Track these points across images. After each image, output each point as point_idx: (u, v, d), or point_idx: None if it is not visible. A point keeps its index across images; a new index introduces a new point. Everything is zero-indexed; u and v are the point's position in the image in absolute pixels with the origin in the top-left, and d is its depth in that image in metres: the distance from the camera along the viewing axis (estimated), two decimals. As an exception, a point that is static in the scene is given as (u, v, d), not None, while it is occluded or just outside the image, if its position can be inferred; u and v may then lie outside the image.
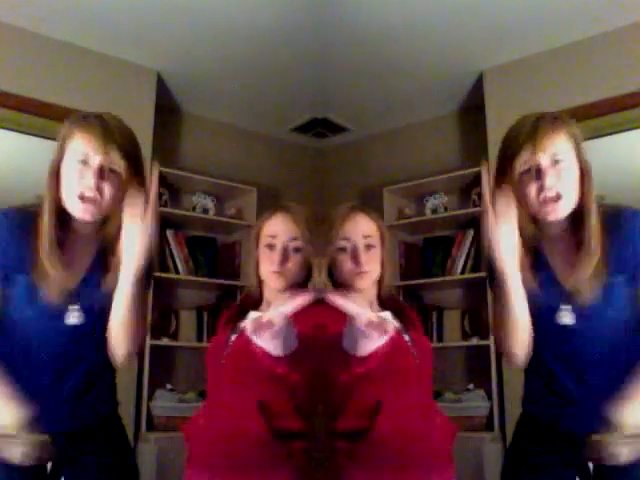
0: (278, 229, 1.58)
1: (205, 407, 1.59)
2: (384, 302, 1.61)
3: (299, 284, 1.58)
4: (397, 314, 1.54)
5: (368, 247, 1.56)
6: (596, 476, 1.48)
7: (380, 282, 1.61)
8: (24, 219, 1.44)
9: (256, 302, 1.65)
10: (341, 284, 1.58)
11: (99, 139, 1.45)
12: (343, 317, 1.46)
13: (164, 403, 3.32)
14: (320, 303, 1.49)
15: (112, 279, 1.40)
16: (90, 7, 2.91)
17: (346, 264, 1.55)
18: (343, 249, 1.55)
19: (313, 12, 2.96)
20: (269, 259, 1.56)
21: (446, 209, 3.81)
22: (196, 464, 1.50)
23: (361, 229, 1.57)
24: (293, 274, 1.56)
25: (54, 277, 1.40)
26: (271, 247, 1.57)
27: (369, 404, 1.43)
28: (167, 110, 3.84)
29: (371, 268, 1.55)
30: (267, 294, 1.62)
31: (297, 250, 1.57)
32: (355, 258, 1.53)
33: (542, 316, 1.44)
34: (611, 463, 1.41)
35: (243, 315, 1.53)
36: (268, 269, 1.57)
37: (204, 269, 3.80)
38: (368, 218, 1.60)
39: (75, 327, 1.44)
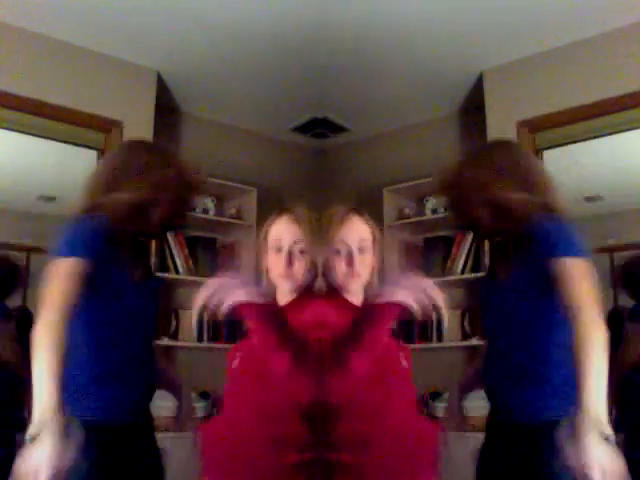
0: (283, 232, 1.61)
1: (220, 411, 1.60)
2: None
3: (307, 285, 1.60)
4: None
5: (361, 251, 1.59)
6: (514, 435, 1.64)
7: (367, 286, 1.63)
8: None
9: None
10: (333, 285, 1.60)
11: None
12: (341, 316, 1.47)
13: (164, 403, 3.32)
14: (320, 302, 1.51)
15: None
16: (90, 7, 2.91)
17: (340, 266, 1.57)
18: (338, 251, 1.58)
19: (313, 12, 2.96)
20: (276, 263, 1.59)
21: (446, 209, 3.80)
22: (205, 468, 1.51)
23: (357, 233, 1.60)
24: (300, 276, 1.58)
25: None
26: (278, 250, 1.59)
27: (368, 407, 1.44)
28: (167, 110, 3.84)
29: (363, 271, 1.59)
30: (279, 297, 1.63)
31: (302, 252, 1.59)
32: (349, 261, 1.56)
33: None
34: None
35: None
36: (276, 272, 1.59)
37: (204, 269, 3.79)
38: (364, 222, 1.63)
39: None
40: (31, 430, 1.37)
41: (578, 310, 1.50)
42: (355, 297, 1.60)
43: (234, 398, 1.53)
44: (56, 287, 1.53)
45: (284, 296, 1.61)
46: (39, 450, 1.34)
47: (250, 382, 1.50)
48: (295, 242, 1.59)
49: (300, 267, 1.58)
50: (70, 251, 1.57)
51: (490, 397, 1.77)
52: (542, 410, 1.60)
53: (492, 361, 1.76)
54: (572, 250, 1.58)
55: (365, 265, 1.59)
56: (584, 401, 1.41)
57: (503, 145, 1.90)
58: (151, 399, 1.77)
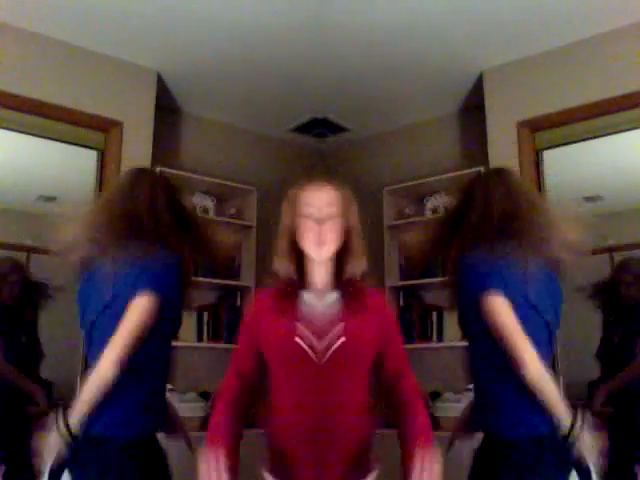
0: (314, 198, 1.62)
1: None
2: (344, 282, 1.64)
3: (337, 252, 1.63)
4: (352, 296, 1.60)
5: (330, 217, 1.60)
6: (488, 449, 1.70)
7: (344, 258, 1.64)
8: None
9: (295, 281, 1.65)
10: (303, 251, 1.62)
11: None
12: None
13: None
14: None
15: None
16: (90, 7, 2.91)
17: (308, 232, 1.59)
18: (307, 216, 1.60)
19: (313, 12, 2.96)
20: (309, 229, 1.60)
21: (446, 209, 3.81)
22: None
23: (325, 198, 1.62)
24: (332, 242, 1.60)
25: None
26: (308, 217, 1.60)
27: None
28: (167, 110, 3.84)
29: (330, 238, 1.59)
30: (309, 265, 1.64)
31: (333, 218, 1.60)
32: (316, 226, 1.58)
33: None
34: None
35: (289, 298, 1.60)
36: (308, 239, 1.60)
37: (204, 269, 3.79)
38: (333, 188, 1.65)
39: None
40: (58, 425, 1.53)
41: (508, 346, 1.57)
42: (323, 267, 1.62)
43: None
44: (135, 322, 1.59)
45: (315, 263, 1.62)
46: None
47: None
48: (326, 206, 1.60)
49: (332, 232, 1.60)
50: (155, 287, 1.62)
51: (478, 415, 1.81)
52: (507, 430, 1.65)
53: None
54: (484, 286, 1.61)
55: (332, 231, 1.59)
56: (559, 420, 1.56)
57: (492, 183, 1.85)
58: (161, 417, 1.81)
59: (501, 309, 1.58)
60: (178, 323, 1.81)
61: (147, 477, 1.64)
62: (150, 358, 1.68)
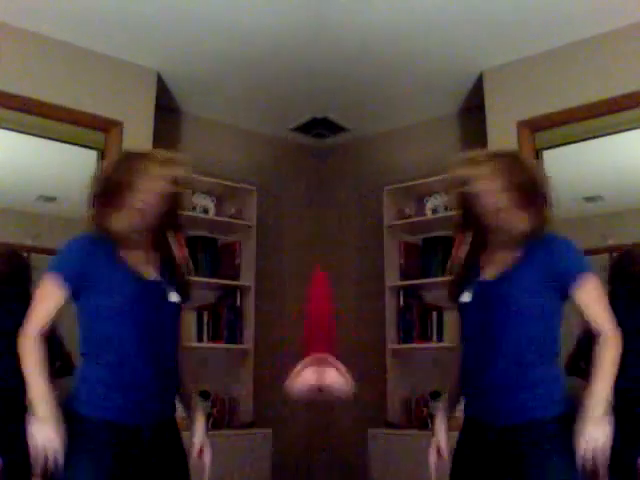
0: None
1: None
2: None
3: None
4: None
5: None
6: (501, 433, 1.63)
7: None
8: None
9: None
10: None
11: None
12: None
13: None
14: None
15: None
16: (90, 7, 2.91)
17: None
18: None
19: (313, 12, 2.97)
20: None
21: (446, 209, 3.81)
22: None
23: None
24: None
25: None
26: None
27: None
28: (167, 110, 3.84)
29: None
30: None
31: None
32: None
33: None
34: None
35: None
36: None
37: (204, 269, 3.80)
38: None
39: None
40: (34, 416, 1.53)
41: (599, 327, 1.60)
42: None
43: None
44: (40, 303, 1.62)
45: None
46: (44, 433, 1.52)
47: None
48: None
49: None
50: (56, 267, 1.64)
51: (476, 400, 1.72)
52: (531, 411, 1.61)
53: (477, 363, 1.70)
54: (585, 266, 1.65)
55: None
56: (591, 402, 1.55)
57: (515, 157, 1.88)
58: (171, 401, 1.84)
59: (601, 289, 1.66)
60: (123, 297, 1.65)
61: (134, 463, 1.62)
62: (108, 336, 1.64)
